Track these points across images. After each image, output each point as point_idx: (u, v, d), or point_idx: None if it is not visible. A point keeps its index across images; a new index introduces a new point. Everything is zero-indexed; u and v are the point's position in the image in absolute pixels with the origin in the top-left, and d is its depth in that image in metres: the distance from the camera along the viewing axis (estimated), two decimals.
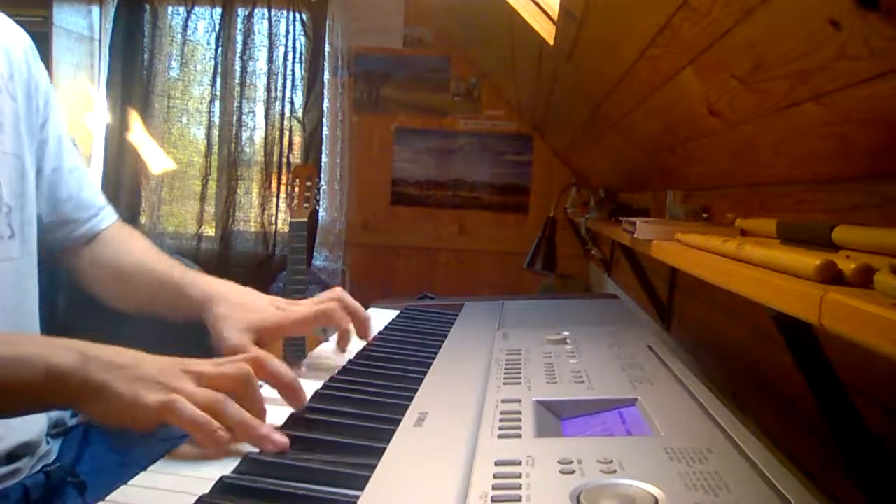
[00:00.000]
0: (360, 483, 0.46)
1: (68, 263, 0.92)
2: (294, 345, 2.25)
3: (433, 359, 0.80)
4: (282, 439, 0.56)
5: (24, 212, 0.78)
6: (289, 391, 0.63)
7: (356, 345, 0.89)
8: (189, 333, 0.86)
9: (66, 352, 0.59)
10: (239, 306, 0.82)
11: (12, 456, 0.72)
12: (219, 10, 2.95)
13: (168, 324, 0.87)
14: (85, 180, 0.92)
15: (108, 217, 0.95)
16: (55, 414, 0.84)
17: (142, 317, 0.89)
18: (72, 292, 0.99)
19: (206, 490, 0.46)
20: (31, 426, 0.75)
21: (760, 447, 0.48)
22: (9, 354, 0.58)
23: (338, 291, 0.87)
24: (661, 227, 0.90)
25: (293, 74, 2.96)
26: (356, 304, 0.87)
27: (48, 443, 0.80)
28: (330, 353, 0.89)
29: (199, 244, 3.01)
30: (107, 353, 0.60)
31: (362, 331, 0.87)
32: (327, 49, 2.93)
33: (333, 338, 0.89)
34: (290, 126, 2.97)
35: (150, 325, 0.91)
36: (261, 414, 0.60)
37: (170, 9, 2.98)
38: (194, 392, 0.57)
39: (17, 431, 0.73)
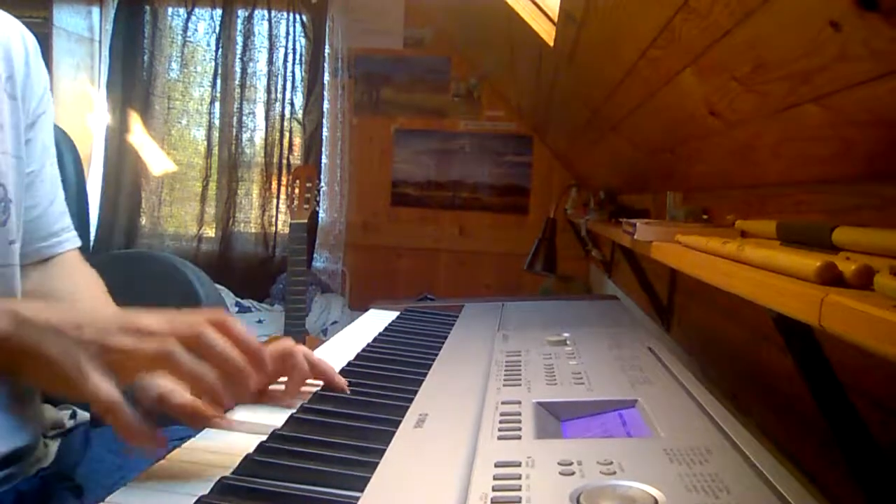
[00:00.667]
0: (361, 484, 0.46)
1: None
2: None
3: (433, 360, 0.80)
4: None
5: (22, 218, 0.77)
6: (255, 361, 0.55)
7: (356, 345, 0.89)
8: None
9: (1, 316, 0.54)
10: None
11: (7, 460, 0.71)
12: (219, 12, 2.95)
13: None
14: (58, 196, 0.85)
15: (69, 242, 0.86)
16: (53, 414, 0.84)
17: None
18: None
19: (206, 490, 0.46)
20: (26, 430, 0.74)
21: (760, 448, 0.48)
22: None
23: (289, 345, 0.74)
24: (661, 229, 0.90)
25: (293, 76, 2.96)
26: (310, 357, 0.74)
27: (46, 444, 0.80)
28: (330, 356, 0.89)
29: (200, 245, 3.02)
30: (43, 314, 0.55)
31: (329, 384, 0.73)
32: (327, 50, 2.93)
33: (334, 339, 0.89)
34: (291, 127, 2.97)
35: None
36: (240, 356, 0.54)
37: (170, 10, 2.98)
38: (134, 349, 0.52)
39: (11, 436, 0.72)
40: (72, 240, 0.86)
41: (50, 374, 0.53)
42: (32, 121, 0.80)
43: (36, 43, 0.82)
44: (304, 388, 0.70)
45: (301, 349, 0.70)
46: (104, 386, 0.52)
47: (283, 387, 0.69)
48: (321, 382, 0.70)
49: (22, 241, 0.77)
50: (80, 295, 0.81)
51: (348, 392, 0.69)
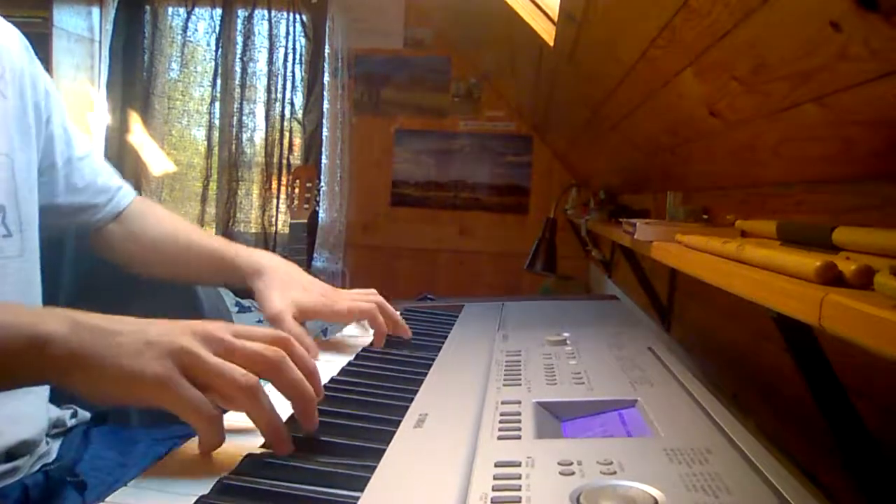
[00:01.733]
0: (360, 484, 0.46)
1: (98, 245, 0.95)
2: None
3: (433, 360, 0.80)
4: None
5: (21, 211, 0.78)
6: (314, 384, 0.57)
7: (356, 345, 0.89)
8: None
9: (53, 318, 0.52)
10: (286, 281, 0.88)
11: (11, 454, 0.72)
12: (219, 12, 2.95)
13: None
14: (98, 165, 0.94)
15: (127, 195, 0.97)
16: (55, 413, 0.84)
17: (147, 313, 0.87)
18: (72, 289, 0.99)
19: (206, 490, 0.46)
20: (30, 425, 0.75)
21: (760, 448, 0.48)
22: None
23: (377, 296, 0.90)
24: (661, 229, 0.90)
25: (293, 76, 2.96)
26: (396, 314, 0.91)
27: (48, 442, 0.80)
28: (330, 356, 0.89)
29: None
30: (103, 321, 0.53)
31: (402, 333, 0.91)
32: (327, 50, 2.93)
33: (334, 339, 0.89)
34: (291, 127, 2.97)
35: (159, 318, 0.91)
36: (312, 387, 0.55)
37: (170, 10, 2.98)
38: (217, 365, 0.51)
39: (16, 430, 0.72)
40: (128, 193, 0.98)
41: (113, 380, 0.51)
42: (47, 116, 0.86)
43: (27, 42, 0.84)
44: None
45: (375, 307, 0.87)
46: (198, 396, 0.51)
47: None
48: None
49: (89, 215, 0.91)
50: (180, 236, 0.96)
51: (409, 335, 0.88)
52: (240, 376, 0.52)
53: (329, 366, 0.80)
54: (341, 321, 0.91)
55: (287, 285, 0.87)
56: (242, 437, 0.57)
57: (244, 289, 0.91)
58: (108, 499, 0.46)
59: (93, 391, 0.52)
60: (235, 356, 0.53)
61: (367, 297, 0.90)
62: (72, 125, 0.91)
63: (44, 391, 0.80)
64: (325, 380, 0.73)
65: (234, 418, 0.65)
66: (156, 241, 0.96)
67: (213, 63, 2.98)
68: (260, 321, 2.72)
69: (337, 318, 0.89)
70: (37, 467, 0.75)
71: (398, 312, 0.92)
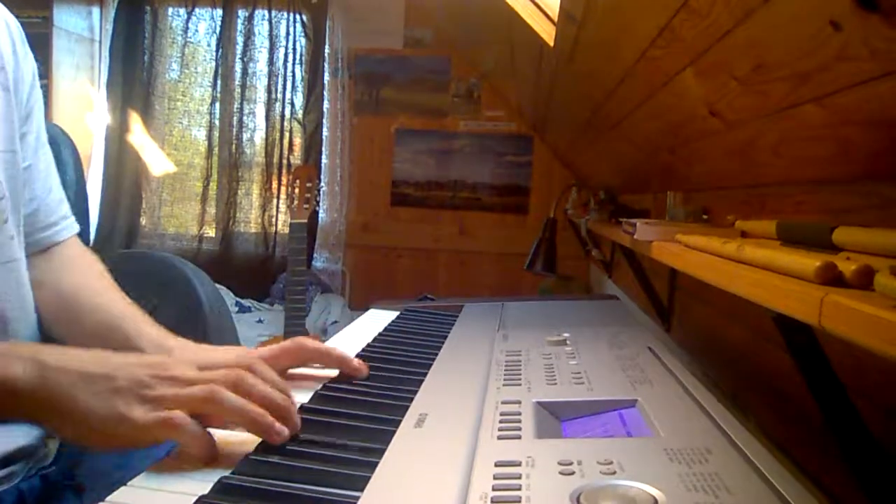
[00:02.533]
0: (360, 484, 0.46)
1: None
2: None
3: (433, 360, 0.80)
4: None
5: (20, 211, 0.76)
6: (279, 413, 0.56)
7: (356, 345, 0.89)
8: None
9: (17, 361, 0.52)
10: (196, 352, 0.74)
11: (8, 460, 0.71)
12: (219, 12, 2.95)
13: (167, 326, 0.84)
14: (54, 184, 0.85)
15: (68, 229, 0.86)
16: None
17: (146, 312, 0.84)
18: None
19: (206, 490, 0.46)
20: (27, 432, 0.74)
21: (760, 448, 0.48)
22: None
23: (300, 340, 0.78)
24: (661, 229, 0.90)
25: (293, 76, 2.96)
26: (323, 347, 0.78)
27: (46, 446, 0.80)
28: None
29: (200, 245, 3.02)
30: (70, 363, 0.54)
31: (346, 369, 0.76)
32: (327, 50, 2.93)
33: (334, 339, 0.89)
34: (291, 127, 2.98)
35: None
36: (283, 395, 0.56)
37: (170, 10, 2.98)
38: (178, 394, 0.53)
39: (13, 438, 0.72)
40: (70, 227, 0.87)
41: (84, 424, 0.52)
42: (26, 113, 0.79)
43: (21, 29, 0.79)
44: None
45: (309, 341, 0.75)
46: (152, 416, 0.52)
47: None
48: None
49: (24, 233, 0.78)
50: (91, 301, 0.81)
51: (367, 373, 0.73)
52: (196, 391, 0.53)
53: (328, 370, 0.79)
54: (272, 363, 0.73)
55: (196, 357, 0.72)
56: (242, 437, 0.57)
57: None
58: (108, 498, 0.46)
59: (76, 436, 0.53)
60: (195, 386, 0.55)
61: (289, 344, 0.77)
62: (44, 134, 0.84)
63: None
64: (325, 380, 0.73)
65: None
66: (64, 299, 0.81)
67: (213, 63, 2.98)
68: (260, 321, 2.72)
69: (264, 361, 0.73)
70: (34, 471, 0.74)
71: (397, 313, 0.91)
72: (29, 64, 0.79)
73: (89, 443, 0.53)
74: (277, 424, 0.54)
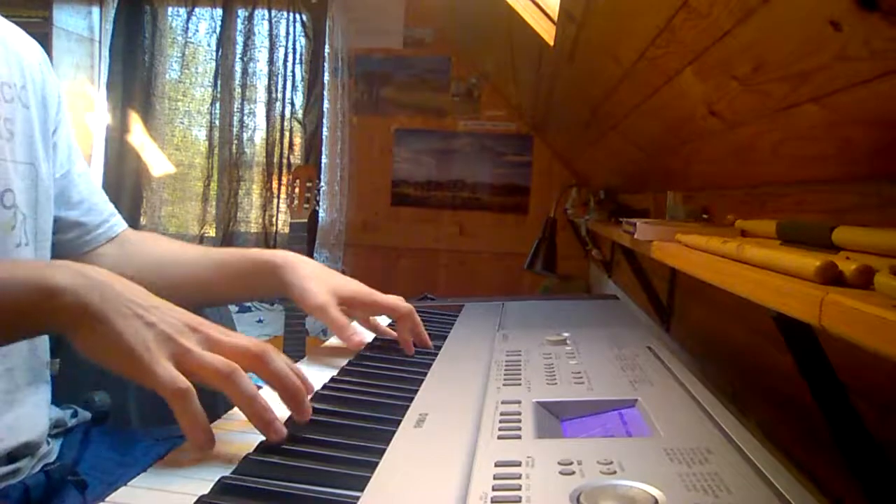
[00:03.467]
0: (360, 484, 0.46)
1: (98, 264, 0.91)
2: (294, 343, 2.25)
3: (433, 360, 0.80)
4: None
5: (38, 220, 0.78)
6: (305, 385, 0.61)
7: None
8: None
9: (63, 270, 0.55)
10: (319, 273, 0.85)
11: (13, 456, 0.72)
12: (219, 12, 2.95)
13: None
14: (94, 186, 0.92)
15: (121, 223, 0.94)
16: (56, 413, 0.84)
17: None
18: None
19: (206, 490, 0.46)
20: (32, 429, 0.75)
21: (760, 448, 0.48)
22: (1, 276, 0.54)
23: (410, 308, 0.87)
24: (661, 228, 0.90)
25: (293, 76, 2.96)
26: (421, 328, 0.88)
27: (49, 443, 0.80)
28: (329, 355, 0.89)
29: (201, 245, 3.02)
30: (115, 282, 0.56)
31: (425, 345, 0.88)
32: (327, 50, 2.93)
33: (334, 338, 0.89)
34: (291, 127, 2.97)
35: None
36: (298, 386, 0.58)
37: (170, 10, 2.98)
38: (203, 356, 0.54)
39: (18, 435, 0.73)
40: (121, 221, 0.95)
41: (113, 346, 0.53)
42: (54, 127, 0.85)
43: (45, 53, 0.86)
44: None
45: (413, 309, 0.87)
46: (175, 372, 0.52)
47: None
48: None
49: (81, 233, 0.87)
50: (194, 252, 0.91)
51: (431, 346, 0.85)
52: (220, 363, 0.54)
53: (328, 368, 0.80)
54: (380, 313, 0.89)
55: (322, 276, 0.84)
56: (242, 437, 0.57)
57: (269, 292, 0.86)
58: (108, 498, 0.46)
59: (95, 353, 0.54)
60: (222, 349, 0.56)
61: (398, 304, 0.87)
62: (76, 145, 0.90)
63: (45, 397, 0.80)
64: (324, 380, 0.73)
65: (235, 417, 0.65)
66: (160, 260, 0.91)
67: (213, 63, 2.98)
68: (260, 321, 2.72)
69: (376, 308, 0.87)
70: (38, 468, 0.75)
71: None
72: (55, 85, 0.86)
73: (105, 362, 0.54)
74: (277, 423, 0.55)
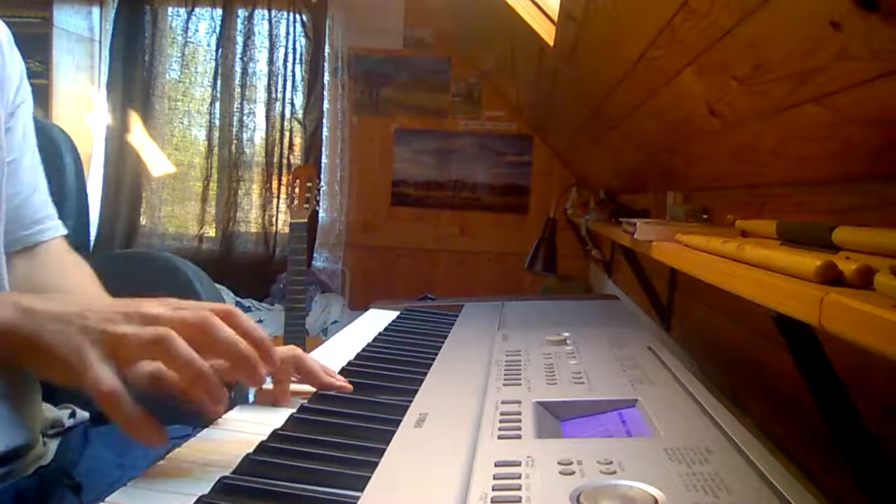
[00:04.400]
0: (361, 484, 0.46)
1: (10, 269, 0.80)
2: (294, 342, 2.24)
3: (433, 360, 0.80)
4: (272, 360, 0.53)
5: (1, 206, 0.76)
6: (262, 352, 0.55)
7: (356, 345, 0.89)
8: None
9: (4, 307, 0.53)
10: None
11: (5, 458, 0.71)
12: (219, 12, 2.95)
13: None
14: (40, 184, 0.84)
15: (53, 229, 0.85)
16: (53, 413, 0.84)
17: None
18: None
19: (206, 490, 0.46)
20: (24, 432, 0.74)
21: (760, 448, 0.48)
22: None
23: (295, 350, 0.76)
24: (661, 228, 0.90)
25: (293, 76, 2.96)
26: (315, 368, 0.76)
27: (44, 444, 0.80)
28: (329, 356, 0.89)
29: (200, 245, 3.02)
30: (48, 304, 0.54)
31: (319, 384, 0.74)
32: (327, 50, 2.93)
33: (334, 338, 0.89)
34: (291, 127, 2.97)
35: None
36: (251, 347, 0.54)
37: (170, 10, 2.98)
38: (134, 334, 0.51)
39: (9, 438, 0.72)
40: (56, 227, 0.85)
41: (52, 363, 0.52)
42: (11, 111, 0.79)
43: (7, 31, 0.79)
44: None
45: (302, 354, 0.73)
46: (105, 374, 0.50)
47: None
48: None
49: (4, 230, 0.76)
50: (70, 288, 0.81)
51: (351, 389, 0.70)
52: (148, 333, 0.51)
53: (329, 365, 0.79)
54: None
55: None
56: (242, 437, 0.57)
57: None
58: (107, 499, 0.46)
59: (47, 375, 0.53)
60: (161, 324, 0.53)
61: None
62: (33, 136, 0.83)
63: (37, 397, 0.79)
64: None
65: (234, 418, 0.65)
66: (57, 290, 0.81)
67: (213, 63, 2.98)
68: (260, 321, 2.72)
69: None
70: (31, 469, 0.75)
71: (397, 313, 0.92)
72: (16, 65, 0.79)
73: (54, 380, 0.53)
74: (220, 392, 0.52)
